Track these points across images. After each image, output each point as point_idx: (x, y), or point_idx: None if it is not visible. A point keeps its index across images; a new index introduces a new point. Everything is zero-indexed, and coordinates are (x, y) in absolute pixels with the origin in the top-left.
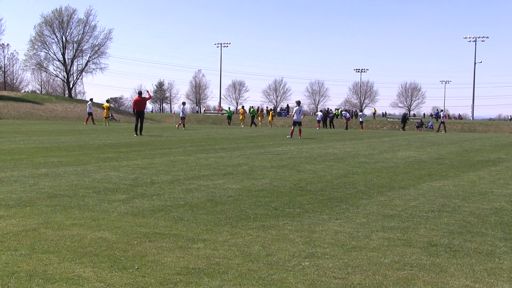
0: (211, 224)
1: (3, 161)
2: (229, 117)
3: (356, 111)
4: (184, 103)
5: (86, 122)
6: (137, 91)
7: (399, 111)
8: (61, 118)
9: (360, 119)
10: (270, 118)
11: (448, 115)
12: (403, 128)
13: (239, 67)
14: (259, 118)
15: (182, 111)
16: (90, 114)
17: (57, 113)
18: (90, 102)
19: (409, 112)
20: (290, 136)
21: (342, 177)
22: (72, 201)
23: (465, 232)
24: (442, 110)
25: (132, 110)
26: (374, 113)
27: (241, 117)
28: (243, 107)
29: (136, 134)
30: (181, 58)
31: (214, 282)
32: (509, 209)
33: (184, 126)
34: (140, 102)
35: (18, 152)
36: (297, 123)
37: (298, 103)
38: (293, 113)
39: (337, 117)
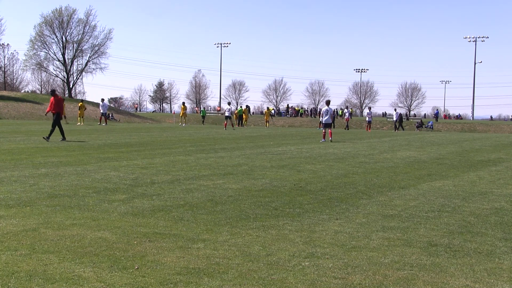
0: (211, 224)
1: (3, 161)
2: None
3: (343, 109)
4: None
5: (101, 122)
6: (50, 91)
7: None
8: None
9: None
10: (266, 117)
11: (449, 115)
12: (399, 129)
13: (239, 67)
14: (266, 118)
15: (227, 111)
16: (103, 114)
17: None
18: (102, 102)
19: (409, 112)
20: (324, 139)
21: (342, 177)
22: (72, 201)
23: (465, 232)
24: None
25: (49, 111)
26: (351, 114)
27: (266, 118)
28: (268, 108)
29: (64, 138)
30: (181, 58)
31: (214, 282)
32: (509, 209)
33: (232, 126)
34: (56, 102)
35: (18, 152)
36: (326, 125)
37: (328, 103)
38: (321, 115)
39: (340, 116)
